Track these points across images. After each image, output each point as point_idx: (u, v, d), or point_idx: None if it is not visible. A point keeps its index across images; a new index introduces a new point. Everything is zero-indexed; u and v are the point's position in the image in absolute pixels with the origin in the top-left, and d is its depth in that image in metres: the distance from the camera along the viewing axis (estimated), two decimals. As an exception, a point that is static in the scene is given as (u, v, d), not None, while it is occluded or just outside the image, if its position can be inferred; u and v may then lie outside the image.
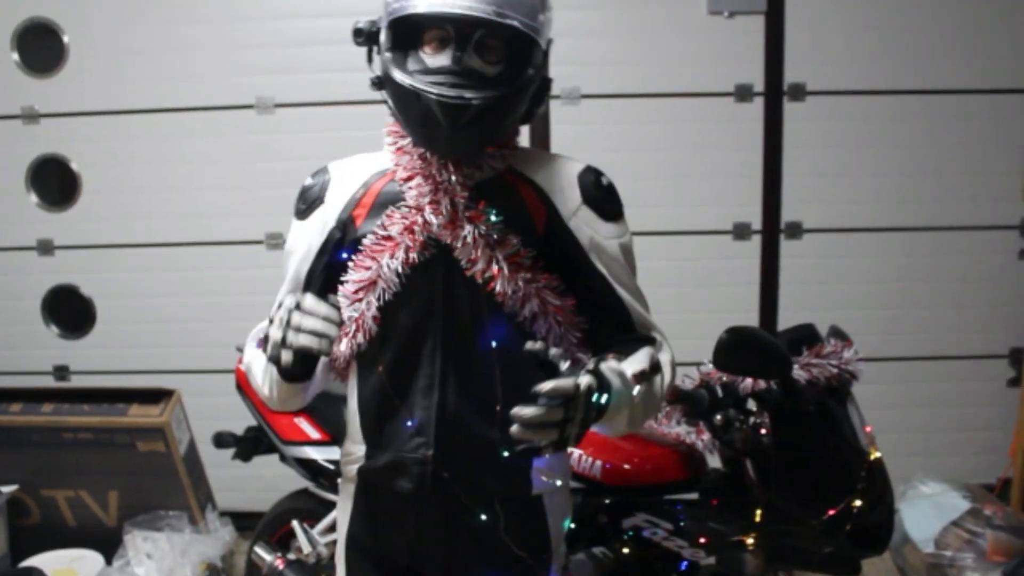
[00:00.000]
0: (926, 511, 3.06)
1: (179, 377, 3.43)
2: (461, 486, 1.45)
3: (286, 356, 1.33)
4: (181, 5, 3.37)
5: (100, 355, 3.62)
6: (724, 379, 2.15)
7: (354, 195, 1.48)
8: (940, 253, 3.44)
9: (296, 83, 3.37)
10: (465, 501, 1.46)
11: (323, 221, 1.49)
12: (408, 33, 1.37)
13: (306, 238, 1.51)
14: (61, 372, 3.65)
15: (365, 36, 1.43)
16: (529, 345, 1.19)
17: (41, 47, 3.44)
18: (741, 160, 3.39)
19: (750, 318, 3.45)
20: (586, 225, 1.45)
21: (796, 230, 3.44)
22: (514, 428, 1.16)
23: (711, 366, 2.13)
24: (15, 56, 3.44)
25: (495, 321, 1.42)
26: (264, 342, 1.39)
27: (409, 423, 1.45)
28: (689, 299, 3.46)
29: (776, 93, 3.35)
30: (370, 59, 1.47)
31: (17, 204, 3.53)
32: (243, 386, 2.55)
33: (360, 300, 1.44)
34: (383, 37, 1.39)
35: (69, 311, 3.63)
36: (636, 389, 1.32)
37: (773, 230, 3.43)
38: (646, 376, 1.36)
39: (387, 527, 1.55)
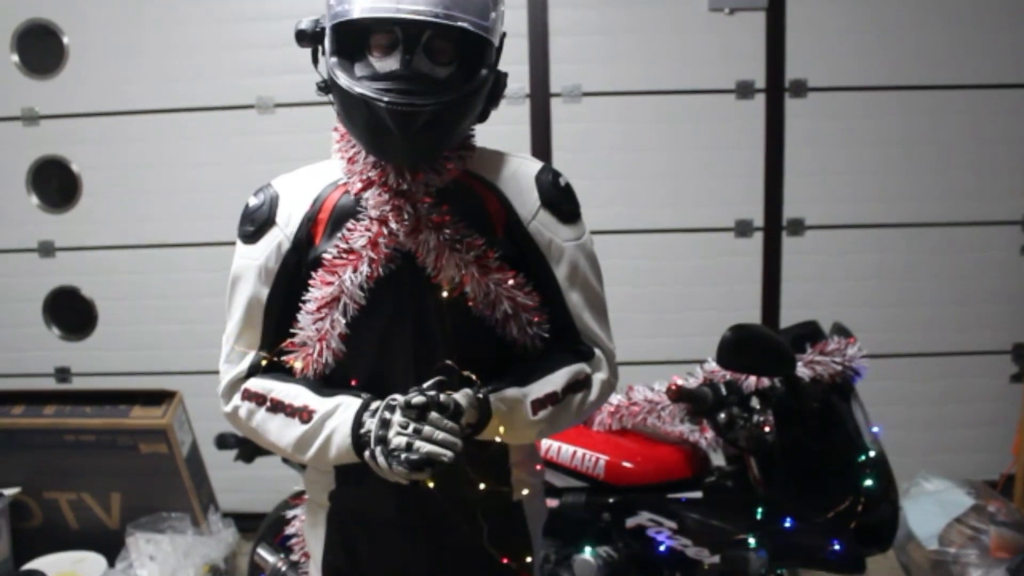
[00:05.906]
0: (930, 508, 3.05)
1: (181, 378, 3.41)
2: (445, 502, 1.38)
3: (415, 459, 1.21)
4: (181, 6, 3.36)
5: (102, 357, 3.62)
6: (728, 377, 2.14)
7: (308, 212, 1.41)
8: (942, 249, 3.43)
9: (297, 83, 3.34)
10: (450, 516, 1.42)
11: (277, 243, 1.42)
12: (354, 36, 1.31)
13: (259, 263, 1.43)
14: (63, 374, 3.65)
15: (309, 38, 1.36)
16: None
17: (41, 48, 3.43)
18: (743, 157, 3.39)
19: (752, 315, 3.45)
20: (545, 228, 1.42)
21: (798, 227, 3.43)
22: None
23: (714, 364, 2.13)
24: (15, 57, 3.43)
25: (466, 327, 1.38)
26: (259, 399, 1.40)
27: None
28: (691, 296, 3.46)
29: (777, 89, 3.34)
30: (315, 61, 1.40)
31: (18, 206, 3.53)
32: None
33: (323, 318, 1.37)
34: (327, 41, 1.32)
35: (70, 313, 3.62)
36: (541, 414, 1.37)
37: (775, 227, 3.42)
38: (557, 398, 1.38)
39: (369, 554, 1.51)
